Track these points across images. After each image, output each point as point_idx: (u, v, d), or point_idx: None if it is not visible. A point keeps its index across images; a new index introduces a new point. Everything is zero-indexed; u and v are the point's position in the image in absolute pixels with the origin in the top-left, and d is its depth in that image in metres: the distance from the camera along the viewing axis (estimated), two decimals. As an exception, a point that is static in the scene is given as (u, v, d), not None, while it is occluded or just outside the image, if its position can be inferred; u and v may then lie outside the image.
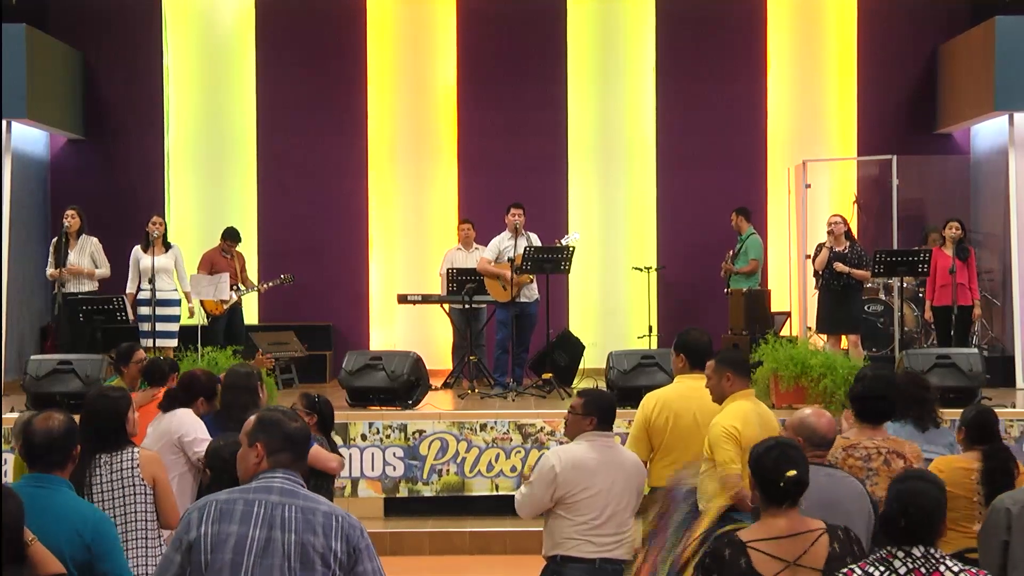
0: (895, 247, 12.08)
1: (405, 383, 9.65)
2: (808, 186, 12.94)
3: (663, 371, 9.36)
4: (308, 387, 9.76)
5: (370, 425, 9.27)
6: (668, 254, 13.19)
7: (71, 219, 10.88)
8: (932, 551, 3.46)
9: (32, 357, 10.03)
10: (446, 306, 11.66)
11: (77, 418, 5.01)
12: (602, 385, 9.95)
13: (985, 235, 12.65)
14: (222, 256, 11.65)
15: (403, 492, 9.27)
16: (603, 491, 5.18)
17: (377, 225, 13.55)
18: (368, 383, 9.67)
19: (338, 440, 8.89)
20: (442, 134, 13.60)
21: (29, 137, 12.69)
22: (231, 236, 11.74)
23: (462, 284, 11.03)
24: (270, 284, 11.94)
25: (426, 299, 11.68)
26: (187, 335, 10.76)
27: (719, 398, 5.56)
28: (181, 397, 6.09)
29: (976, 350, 10.17)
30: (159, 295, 10.63)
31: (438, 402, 10.17)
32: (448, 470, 9.25)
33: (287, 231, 13.38)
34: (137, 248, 11.02)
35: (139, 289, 10.94)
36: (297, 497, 3.57)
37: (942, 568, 3.43)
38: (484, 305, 11.40)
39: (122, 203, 13.00)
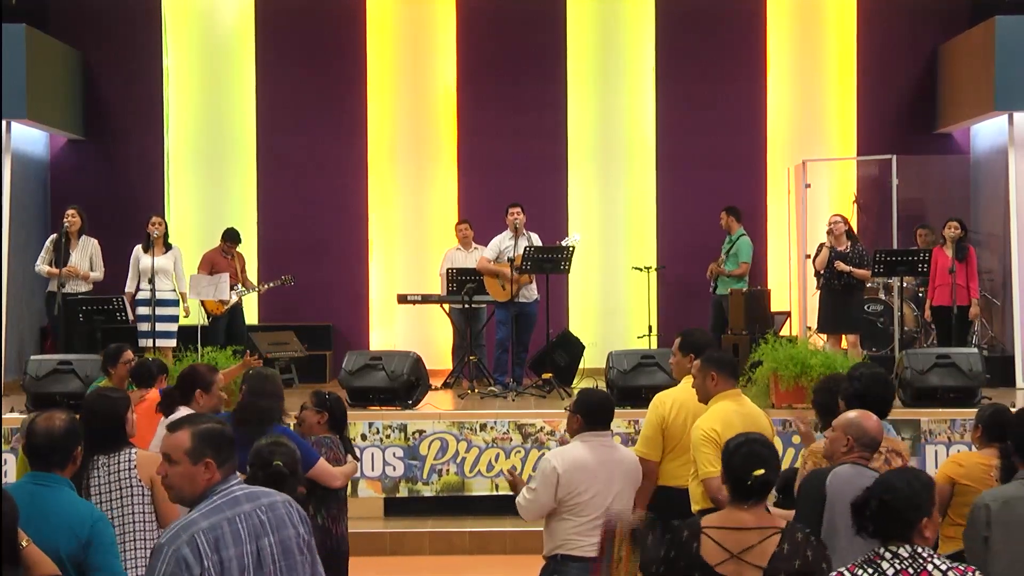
0: (895, 247, 12.08)
1: (405, 383, 9.65)
2: (808, 186, 12.94)
3: (663, 371, 9.35)
4: (308, 387, 9.75)
5: (370, 425, 9.27)
6: (668, 254, 13.19)
7: (72, 219, 10.89)
8: (919, 550, 3.45)
9: (32, 357, 10.03)
10: (446, 306, 11.66)
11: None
12: (602, 385, 9.95)
13: (985, 235, 12.65)
14: (222, 256, 11.65)
15: (403, 492, 9.27)
16: (603, 491, 5.22)
17: (377, 225, 13.55)
18: (368, 383, 9.67)
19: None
20: (442, 134, 13.60)
21: (29, 137, 12.69)
22: (231, 237, 11.74)
23: (462, 284, 11.03)
24: (271, 285, 11.94)
25: (426, 299, 11.68)
26: (187, 335, 10.76)
27: (705, 398, 5.60)
28: (179, 392, 6.05)
29: (976, 350, 10.17)
30: (158, 295, 10.63)
31: (438, 402, 10.17)
32: (448, 470, 9.25)
33: (287, 231, 13.38)
34: (138, 248, 11.03)
35: (138, 289, 10.95)
36: (258, 497, 3.67)
37: (930, 567, 3.42)
38: (484, 305, 11.40)
39: (122, 203, 13.00)
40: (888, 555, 3.45)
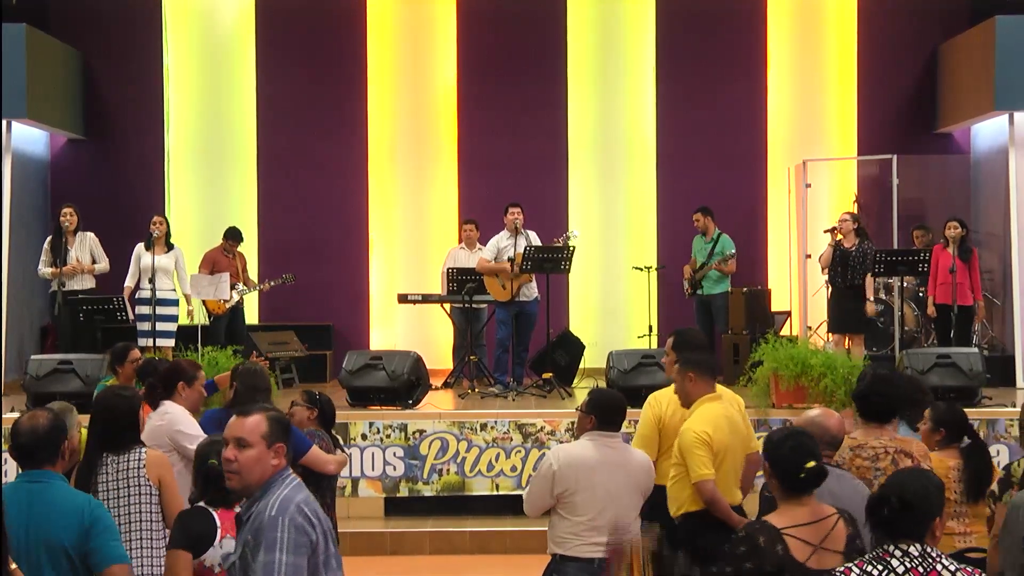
0: (895, 247, 12.08)
1: (405, 383, 9.65)
2: (808, 186, 12.94)
3: (663, 370, 9.33)
4: (308, 387, 9.74)
5: (370, 425, 9.27)
6: (668, 254, 13.18)
7: (69, 217, 10.92)
8: (929, 550, 3.47)
9: (32, 357, 10.04)
10: (446, 306, 11.66)
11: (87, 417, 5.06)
12: (602, 385, 9.96)
13: (985, 235, 12.65)
14: (224, 256, 11.65)
15: (403, 492, 9.27)
16: (603, 491, 5.14)
17: (377, 225, 13.55)
18: (368, 383, 9.67)
19: (338, 440, 8.90)
20: (442, 134, 13.60)
21: (29, 137, 12.70)
22: (233, 236, 11.74)
23: (462, 284, 11.03)
24: (271, 284, 11.94)
25: (426, 299, 11.68)
26: (188, 335, 10.76)
27: (687, 401, 5.62)
28: (161, 386, 6.06)
29: (976, 350, 10.17)
30: (159, 294, 10.62)
31: (438, 402, 10.17)
32: (448, 470, 9.25)
33: (287, 231, 13.38)
34: (140, 246, 11.03)
35: (138, 287, 10.95)
36: (303, 484, 3.73)
37: (939, 567, 3.44)
38: (484, 305, 11.40)
39: (122, 203, 13.01)
40: (898, 553, 3.47)
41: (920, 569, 3.43)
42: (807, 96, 13.60)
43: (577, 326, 12.57)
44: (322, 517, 3.60)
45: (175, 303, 11.02)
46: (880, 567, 3.46)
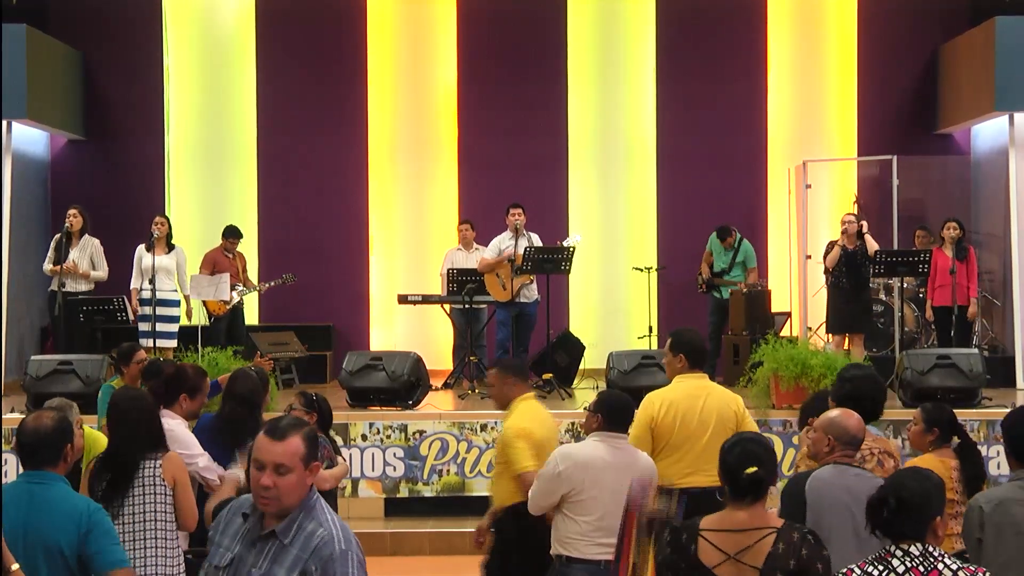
0: (895, 247, 12.08)
1: (405, 383, 9.65)
2: (808, 186, 12.94)
3: (663, 371, 9.32)
4: (307, 387, 9.74)
5: (370, 425, 9.27)
6: (668, 254, 13.19)
7: (73, 218, 10.91)
8: (930, 549, 3.47)
9: (32, 357, 10.04)
10: (446, 306, 11.66)
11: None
12: (602, 385, 9.96)
13: (985, 235, 12.65)
14: (224, 256, 11.65)
15: (403, 492, 9.27)
16: (609, 492, 5.11)
17: (377, 225, 13.55)
18: (368, 383, 9.67)
19: (338, 440, 8.90)
20: (442, 134, 13.60)
21: (29, 137, 12.69)
22: (232, 233, 11.74)
23: (462, 284, 11.04)
24: (272, 284, 11.95)
25: (426, 299, 11.68)
26: (188, 335, 10.76)
27: (504, 403, 5.87)
28: (163, 392, 6.02)
29: (976, 350, 10.17)
30: (159, 295, 10.62)
31: (438, 402, 10.17)
32: (448, 470, 9.26)
33: (287, 231, 13.38)
34: (141, 247, 11.03)
35: (141, 288, 10.95)
36: None
37: (940, 566, 3.44)
38: (484, 305, 11.40)
39: (122, 203, 13.01)
40: (899, 553, 3.47)
41: (921, 569, 3.43)
42: (807, 96, 13.60)
43: (577, 327, 12.56)
44: None
45: (176, 303, 11.02)
46: (881, 567, 3.46)
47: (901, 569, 3.43)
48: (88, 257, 10.94)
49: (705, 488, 5.55)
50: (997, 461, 8.85)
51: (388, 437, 9.25)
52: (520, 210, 10.97)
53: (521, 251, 10.66)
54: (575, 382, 11.27)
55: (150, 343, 10.37)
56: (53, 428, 4.20)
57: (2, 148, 11.61)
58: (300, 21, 13.48)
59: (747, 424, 5.85)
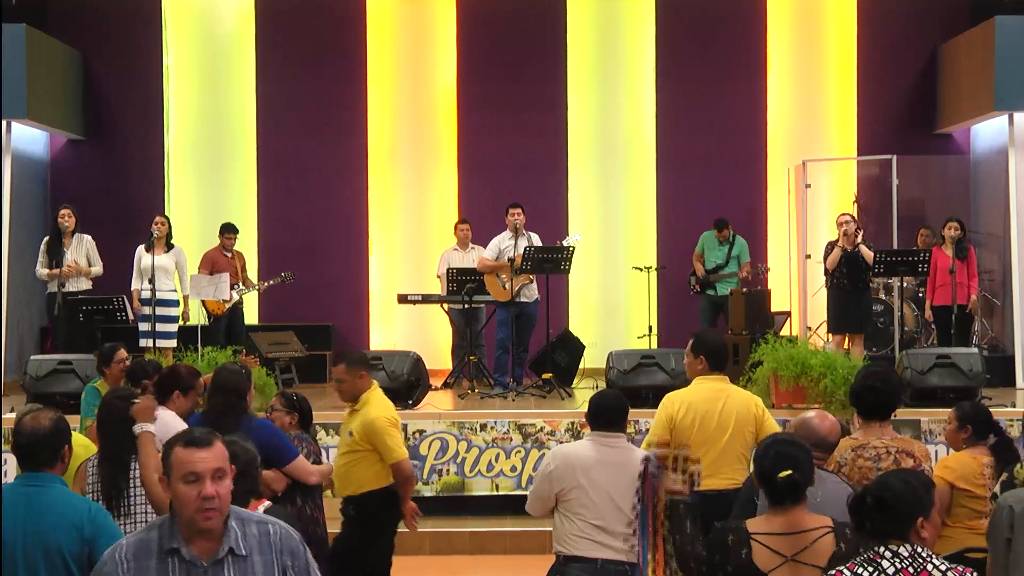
0: (895, 247, 12.08)
1: (405, 383, 9.64)
2: (808, 186, 12.94)
3: (663, 371, 9.36)
4: (310, 388, 9.76)
5: (370, 425, 9.25)
6: (668, 254, 13.19)
7: (68, 218, 10.92)
8: (919, 550, 3.43)
9: (32, 357, 10.03)
10: (446, 306, 11.66)
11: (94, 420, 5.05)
12: (602, 385, 9.97)
13: (985, 235, 12.65)
14: (223, 255, 11.65)
15: (403, 492, 9.25)
16: (603, 491, 5.12)
17: (377, 225, 13.55)
18: (368, 383, 9.64)
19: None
20: (442, 134, 13.60)
21: (29, 137, 12.70)
22: (228, 229, 11.74)
23: (462, 284, 11.03)
24: (271, 282, 11.95)
25: (426, 299, 11.68)
26: (187, 335, 10.76)
27: (355, 395, 6.13)
28: (158, 390, 6.02)
29: (976, 350, 10.16)
30: (159, 295, 10.62)
31: (438, 402, 10.17)
32: (448, 470, 9.25)
33: (287, 231, 13.38)
34: (140, 247, 11.03)
35: (141, 288, 10.95)
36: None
37: (929, 567, 3.40)
38: (484, 305, 11.40)
39: (122, 203, 13.02)
40: (888, 554, 3.44)
41: (910, 570, 3.39)
42: (807, 96, 13.60)
43: (577, 326, 12.56)
44: None
45: (175, 303, 11.02)
46: (870, 568, 3.43)
47: (891, 570, 3.40)
48: (84, 255, 10.97)
49: (722, 491, 5.51)
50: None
51: (388, 437, 9.23)
52: (519, 210, 10.97)
53: (521, 251, 10.66)
54: (575, 382, 11.27)
55: (150, 343, 10.38)
56: (51, 429, 4.14)
57: (2, 148, 11.62)
58: (300, 21, 13.48)
59: (768, 425, 5.81)
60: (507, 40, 13.47)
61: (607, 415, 5.32)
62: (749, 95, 13.46)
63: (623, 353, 10.00)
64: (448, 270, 11.34)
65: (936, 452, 9.00)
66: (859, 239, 10.82)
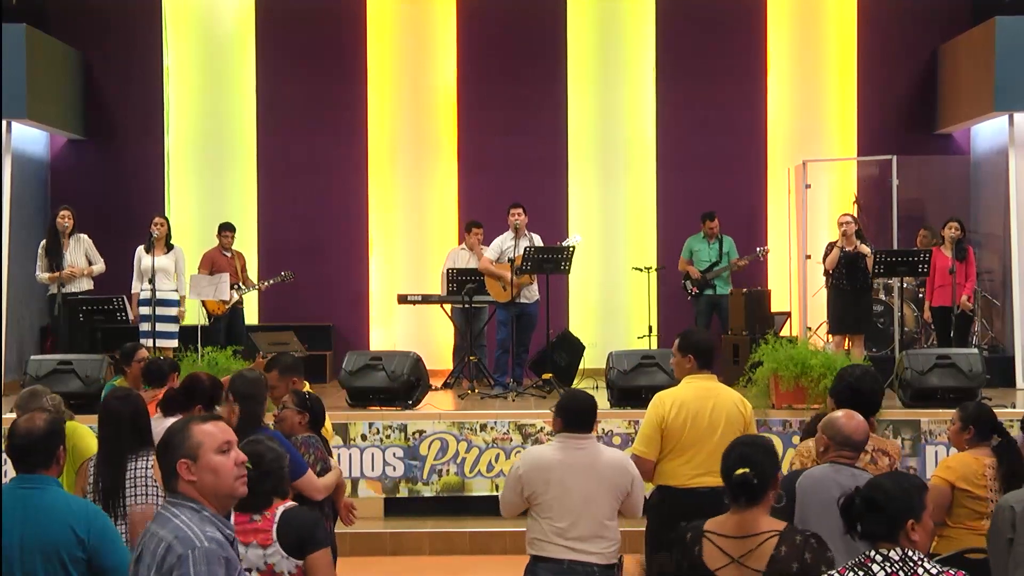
0: (895, 247, 12.08)
1: (405, 383, 9.64)
2: (808, 186, 12.95)
3: (663, 371, 9.34)
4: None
5: (370, 425, 9.27)
6: (668, 254, 13.17)
7: (67, 219, 10.93)
8: (910, 553, 3.41)
9: (32, 357, 10.02)
10: (446, 306, 11.66)
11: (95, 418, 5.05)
12: (602, 385, 9.96)
13: (985, 235, 12.65)
14: (222, 255, 11.65)
15: (403, 492, 9.26)
16: (569, 492, 5.10)
17: (377, 225, 13.55)
18: (368, 383, 9.65)
19: (338, 440, 8.91)
20: (442, 134, 13.60)
21: (29, 137, 12.69)
22: (226, 227, 11.75)
23: (462, 284, 11.03)
24: (271, 281, 11.95)
25: (426, 299, 11.68)
26: (188, 335, 10.76)
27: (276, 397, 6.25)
28: (181, 400, 6.02)
29: (976, 350, 10.16)
30: (159, 295, 10.63)
31: (438, 402, 10.16)
32: (448, 470, 9.25)
33: (287, 231, 13.38)
34: (140, 248, 11.04)
35: (141, 290, 10.95)
36: None
37: (920, 571, 3.38)
38: (484, 305, 11.40)
39: (122, 203, 13.02)
40: (879, 557, 3.42)
41: (901, 573, 3.37)
42: (807, 96, 13.60)
43: (577, 327, 12.56)
44: None
45: (176, 303, 11.02)
46: (861, 573, 3.41)
47: (881, 574, 3.39)
48: (83, 254, 10.98)
49: (714, 488, 5.50)
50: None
51: (388, 437, 9.25)
52: (520, 210, 10.96)
53: (521, 251, 10.66)
54: (575, 382, 11.25)
55: (150, 343, 10.38)
56: (45, 430, 4.11)
57: (2, 148, 11.61)
58: (300, 21, 13.48)
59: (751, 426, 5.84)
60: (507, 40, 13.47)
61: (580, 416, 5.25)
62: (749, 95, 13.46)
63: (623, 353, 9.98)
64: (448, 270, 11.33)
65: (937, 453, 9.03)
66: (855, 247, 10.84)
